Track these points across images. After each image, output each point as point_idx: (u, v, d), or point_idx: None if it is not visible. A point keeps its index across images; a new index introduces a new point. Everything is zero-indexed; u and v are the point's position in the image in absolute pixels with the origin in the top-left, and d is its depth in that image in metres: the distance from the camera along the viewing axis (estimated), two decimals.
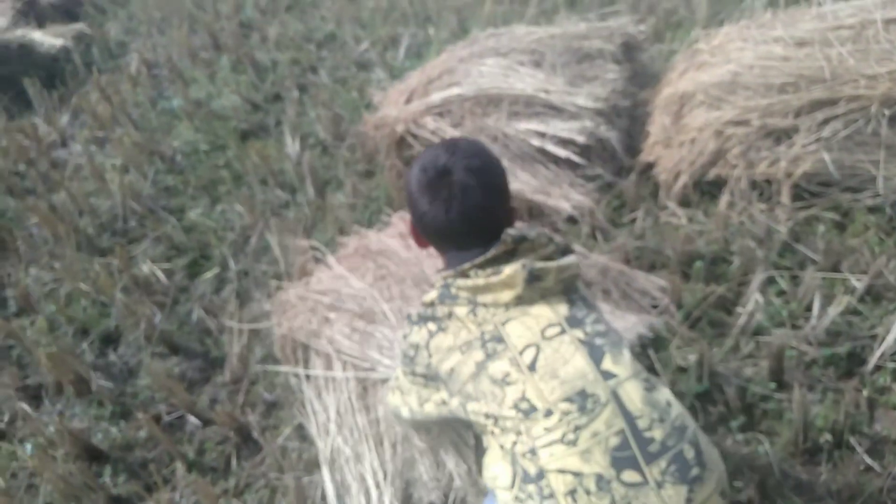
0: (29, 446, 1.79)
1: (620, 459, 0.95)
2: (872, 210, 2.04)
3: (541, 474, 0.97)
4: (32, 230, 2.56)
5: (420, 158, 1.14)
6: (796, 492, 1.47)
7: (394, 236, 2.09)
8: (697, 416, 1.61)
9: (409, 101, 2.61)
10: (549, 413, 0.98)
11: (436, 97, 2.51)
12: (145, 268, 2.28)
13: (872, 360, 1.65)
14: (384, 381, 1.64)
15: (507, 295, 1.05)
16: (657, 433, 0.98)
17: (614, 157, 2.40)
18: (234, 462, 1.70)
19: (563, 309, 1.06)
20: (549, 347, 1.02)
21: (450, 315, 1.09)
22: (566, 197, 2.26)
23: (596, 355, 1.03)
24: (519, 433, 1.00)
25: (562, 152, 2.34)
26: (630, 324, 1.78)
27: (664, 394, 1.04)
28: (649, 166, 2.36)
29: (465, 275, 1.08)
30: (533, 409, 0.99)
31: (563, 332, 1.04)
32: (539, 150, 2.37)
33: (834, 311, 1.75)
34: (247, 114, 3.09)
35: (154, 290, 2.20)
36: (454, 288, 1.08)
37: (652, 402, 1.00)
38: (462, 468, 1.47)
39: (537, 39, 2.58)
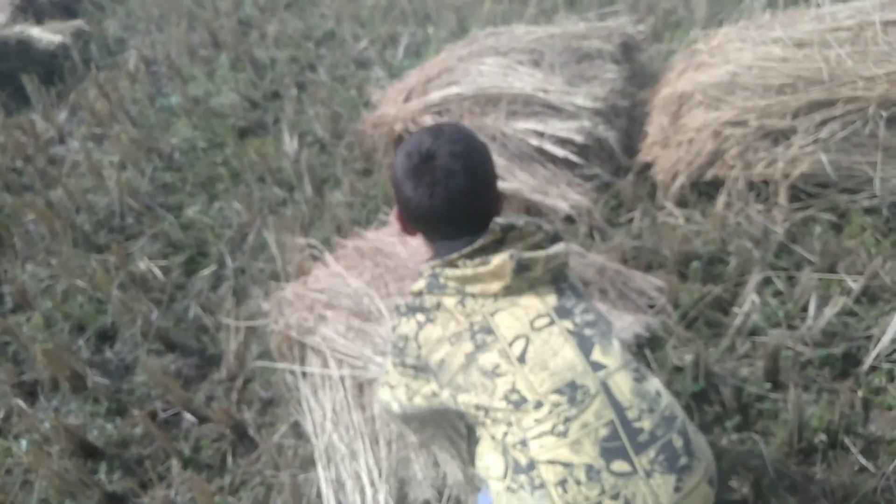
0: (24, 442, 1.79)
1: (610, 450, 0.96)
2: (869, 211, 2.05)
3: (532, 465, 0.98)
4: (29, 226, 2.56)
5: (405, 144, 1.13)
6: (791, 492, 1.47)
7: (392, 235, 2.09)
8: (693, 415, 1.62)
9: (407, 99, 2.61)
10: (539, 405, 0.99)
11: (434, 96, 2.51)
12: (142, 265, 2.28)
13: (868, 361, 1.66)
14: (377, 379, 1.64)
15: (495, 285, 1.04)
16: (646, 423, 0.99)
17: (612, 157, 2.40)
18: (229, 459, 1.70)
19: (551, 299, 1.06)
20: (539, 339, 1.02)
21: (438, 306, 1.08)
22: (564, 196, 2.27)
23: (585, 346, 1.03)
24: (510, 424, 1.00)
25: (560, 152, 2.34)
26: (627, 323, 1.78)
27: (653, 384, 1.05)
28: (647, 166, 2.36)
29: (452, 264, 1.07)
30: (523, 400, 0.99)
31: (552, 322, 1.04)
32: (537, 149, 2.37)
33: (830, 311, 1.75)
34: (245, 111, 3.09)
35: (151, 287, 2.20)
36: (442, 277, 1.07)
37: (641, 393, 1.01)
38: (456, 466, 1.47)
39: (536, 39, 2.58)
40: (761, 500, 1.45)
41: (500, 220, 1.08)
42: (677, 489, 0.96)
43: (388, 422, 1.57)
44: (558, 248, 1.08)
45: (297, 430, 1.72)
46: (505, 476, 1.01)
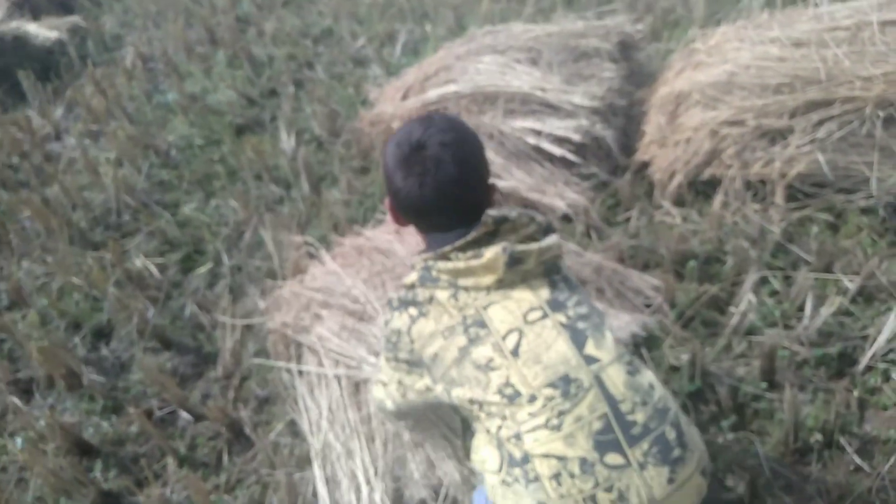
0: (19, 440, 1.78)
1: (603, 443, 0.97)
2: (865, 211, 2.05)
3: (526, 458, 0.98)
4: (25, 223, 2.55)
5: (396, 134, 1.12)
6: (786, 491, 1.47)
7: (389, 233, 2.08)
8: (689, 415, 1.62)
9: (405, 97, 2.61)
10: (532, 398, 0.99)
11: (432, 94, 2.51)
12: (138, 262, 2.27)
13: (863, 361, 1.66)
14: (372, 378, 1.64)
15: (488, 279, 1.04)
16: (639, 416, 0.99)
17: (610, 156, 2.40)
18: (225, 457, 1.70)
19: (544, 292, 1.06)
20: (532, 332, 1.02)
21: (431, 299, 1.07)
22: (561, 195, 2.26)
23: (578, 339, 1.03)
24: (504, 418, 1.01)
25: (557, 150, 2.34)
26: (623, 322, 1.78)
27: (647, 376, 1.05)
28: (644, 165, 2.36)
29: (445, 257, 1.07)
30: (517, 394, 1.00)
31: (545, 316, 1.04)
32: (535, 148, 2.37)
33: (826, 311, 1.75)
34: (242, 109, 3.08)
35: (147, 285, 2.20)
36: (435, 270, 1.07)
37: (634, 386, 1.02)
38: (452, 466, 1.47)
39: (534, 37, 2.58)
40: (757, 500, 1.46)
41: (492, 212, 1.08)
42: (671, 481, 0.97)
43: (384, 421, 1.57)
44: (551, 240, 1.08)
45: (294, 429, 1.71)
46: (500, 469, 1.02)
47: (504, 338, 1.02)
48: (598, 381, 1.00)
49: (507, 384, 1.00)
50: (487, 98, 2.44)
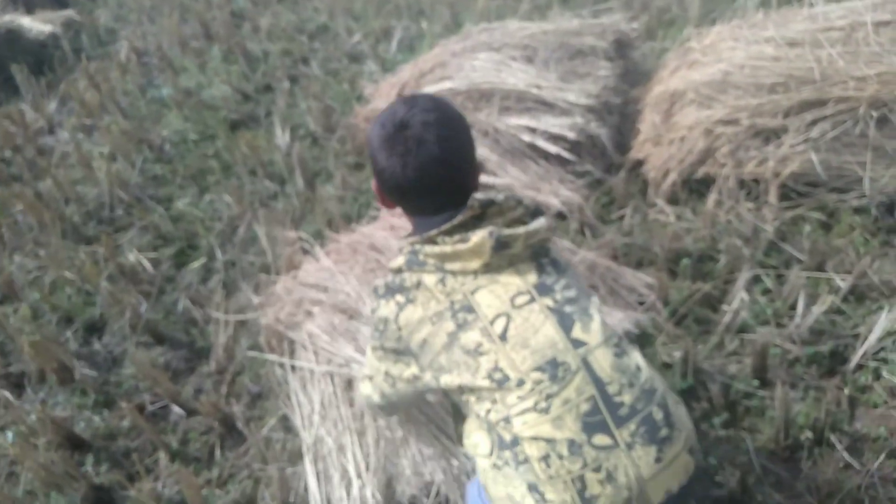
0: (10, 434, 1.77)
1: (591, 424, 0.98)
2: (858, 211, 2.06)
3: (515, 441, 0.99)
4: (17, 217, 2.54)
5: (380, 114, 1.11)
6: (776, 488, 1.48)
7: (383, 229, 2.08)
8: None
9: (400, 94, 2.60)
10: (521, 382, 1.00)
11: (427, 91, 2.51)
12: (131, 257, 2.26)
13: (854, 359, 1.67)
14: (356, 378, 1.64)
15: (475, 263, 1.04)
16: (626, 397, 1.00)
17: (604, 154, 2.41)
18: (217, 452, 1.69)
19: (532, 276, 1.06)
20: (520, 316, 1.03)
21: (418, 284, 1.07)
22: (555, 193, 2.27)
23: (566, 323, 1.03)
24: (493, 402, 1.01)
25: (552, 148, 2.34)
26: (617, 320, 1.79)
27: (634, 358, 1.06)
28: (639, 164, 2.37)
29: (432, 241, 1.06)
30: (506, 378, 1.00)
31: (532, 300, 1.04)
32: (529, 145, 2.37)
33: (818, 310, 1.76)
34: (237, 104, 3.07)
35: (140, 280, 2.19)
36: (422, 254, 1.06)
37: (622, 368, 1.03)
38: (443, 463, 1.47)
39: (530, 35, 2.58)
40: (747, 496, 1.46)
41: (479, 195, 1.07)
42: (658, 460, 0.98)
43: (376, 416, 1.57)
44: (539, 223, 1.08)
45: (286, 424, 1.71)
46: (491, 453, 1.03)
47: (492, 322, 1.03)
48: (586, 364, 1.01)
49: (496, 369, 1.01)
50: (483, 95, 2.44)
